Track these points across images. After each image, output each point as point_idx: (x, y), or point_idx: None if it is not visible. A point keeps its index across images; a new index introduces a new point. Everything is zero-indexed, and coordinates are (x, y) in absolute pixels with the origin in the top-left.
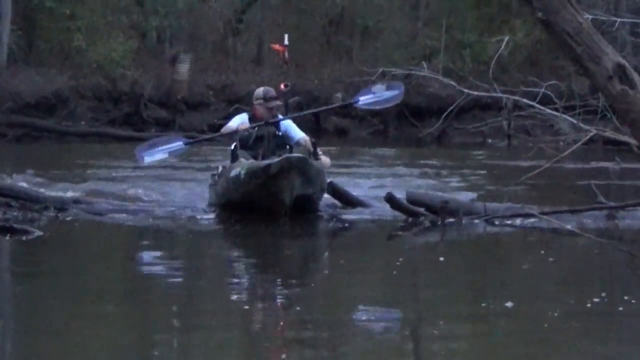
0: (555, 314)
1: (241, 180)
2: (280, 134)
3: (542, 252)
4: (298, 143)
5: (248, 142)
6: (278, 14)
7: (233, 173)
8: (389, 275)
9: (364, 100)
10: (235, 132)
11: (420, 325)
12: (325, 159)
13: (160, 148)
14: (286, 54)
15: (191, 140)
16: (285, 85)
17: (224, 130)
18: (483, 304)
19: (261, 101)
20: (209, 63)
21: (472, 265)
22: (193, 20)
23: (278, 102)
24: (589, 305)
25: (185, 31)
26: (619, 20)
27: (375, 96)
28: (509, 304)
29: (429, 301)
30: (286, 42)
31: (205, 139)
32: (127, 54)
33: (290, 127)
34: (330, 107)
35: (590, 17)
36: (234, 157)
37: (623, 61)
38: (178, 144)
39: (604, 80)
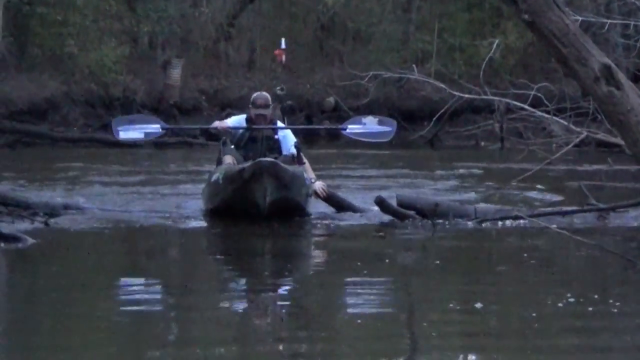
0: (524, 314)
1: (220, 184)
2: (276, 137)
3: (525, 255)
4: (285, 156)
5: (241, 142)
6: (270, 19)
7: (214, 178)
8: (376, 277)
9: (352, 129)
10: (214, 129)
11: (403, 326)
12: (307, 166)
13: (137, 126)
14: (283, 58)
15: (169, 126)
16: (281, 89)
17: (212, 125)
18: (451, 305)
19: (251, 106)
20: (201, 68)
21: (454, 268)
22: (185, 25)
23: (264, 111)
24: (560, 305)
25: (177, 36)
26: (608, 21)
27: (364, 127)
28: (478, 305)
29: (408, 302)
30: (283, 45)
31: (184, 128)
32: (119, 60)
33: (287, 136)
34: (316, 127)
35: (580, 19)
36: (218, 162)
37: (609, 62)
38: (156, 127)
39: (590, 81)
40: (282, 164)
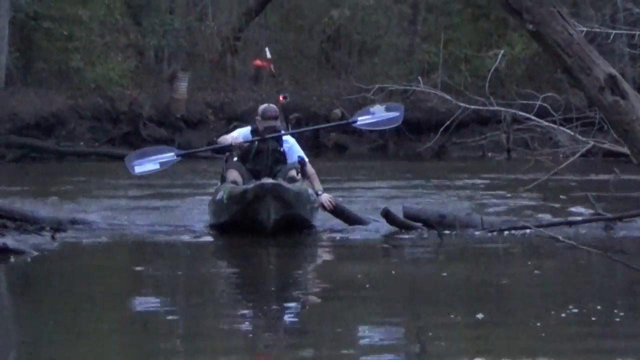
0: (527, 325)
1: (224, 204)
2: (281, 149)
3: (529, 263)
4: (286, 169)
5: (248, 156)
6: (276, 32)
7: (218, 196)
8: (382, 290)
9: (362, 120)
10: (229, 146)
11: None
12: (310, 169)
13: (151, 158)
14: (272, 67)
15: (184, 152)
16: (284, 97)
17: (220, 140)
18: (452, 315)
19: (259, 118)
20: (207, 81)
21: (457, 278)
22: (191, 38)
23: (274, 123)
24: (563, 315)
25: (183, 50)
26: (614, 32)
27: (374, 117)
28: (479, 316)
29: (409, 315)
30: (268, 55)
31: (198, 151)
32: (125, 74)
33: (292, 147)
34: (328, 125)
35: (585, 29)
36: (222, 179)
37: (614, 72)
38: (170, 155)
39: (595, 91)
40: (285, 184)
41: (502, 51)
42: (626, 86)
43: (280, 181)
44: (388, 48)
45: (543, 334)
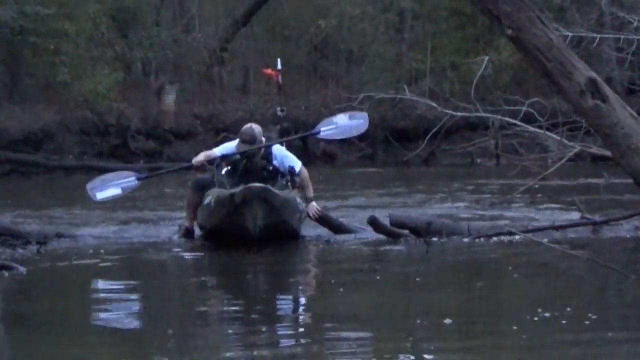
0: (508, 330)
1: (212, 208)
2: (271, 167)
3: (512, 268)
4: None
5: (235, 174)
6: (263, 42)
7: (206, 201)
8: (370, 300)
9: (325, 130)
10: (190, 166)
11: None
12: (304, 172)
13: (112, 183)
14: (280, 79)
15: (144, 176)
16: (282, 111)
17: (199, 156)
18: (418, 320)
19: (239, 139)
20: (195, 93)
21: (443, 285)
22: (178, 50)
23: (249, 148)
24: (535, 318)
25: (170, 62)
26: (598, 36)
27: (337, 126)
28: (447, 321)
29: (387, 321)
30: (279, 66)
31: (159, 173)
32: (113, 87)
33: (283, 159)
34: (290, 138)
35: (570, 34)
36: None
37: (595, 75)
38: (130, 179)
39: (576, 95)
40: (273, 189)
41: (487, 57)
42: (607, 90)
43: (269, 186)
44: (375, 57)
45: (524, 336)
